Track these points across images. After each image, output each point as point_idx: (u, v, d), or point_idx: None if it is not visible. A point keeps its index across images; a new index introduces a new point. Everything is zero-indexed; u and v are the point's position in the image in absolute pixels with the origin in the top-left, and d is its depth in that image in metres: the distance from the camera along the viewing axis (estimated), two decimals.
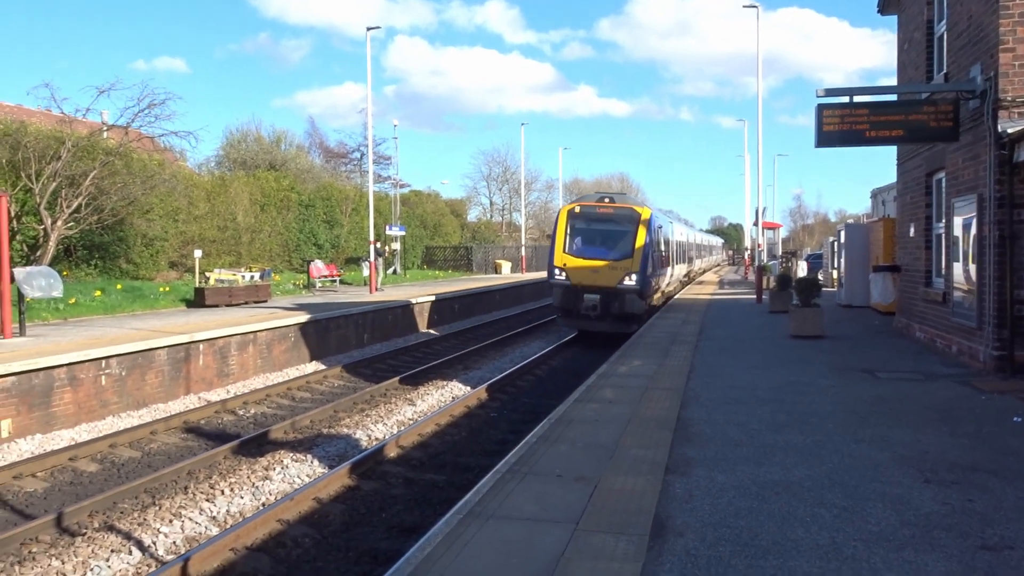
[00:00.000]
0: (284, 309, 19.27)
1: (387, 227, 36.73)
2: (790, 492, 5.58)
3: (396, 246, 37.93)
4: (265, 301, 21.88)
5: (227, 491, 8.51)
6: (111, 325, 15.43)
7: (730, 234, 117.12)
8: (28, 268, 14.08)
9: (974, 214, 10.71)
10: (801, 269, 31.12)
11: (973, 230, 10.75)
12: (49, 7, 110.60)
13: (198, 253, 22.79)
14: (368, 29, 27.84)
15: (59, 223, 19.14)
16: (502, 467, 6.33)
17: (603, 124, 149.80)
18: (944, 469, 6.11)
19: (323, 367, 16.72)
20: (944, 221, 12.62)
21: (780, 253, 41.59)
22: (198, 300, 20.38)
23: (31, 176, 18.84)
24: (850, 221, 44.38)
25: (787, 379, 10.16)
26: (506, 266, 47.71)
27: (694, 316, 19.02)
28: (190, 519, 7.71)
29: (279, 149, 47.53)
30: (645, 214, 19.52)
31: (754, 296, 24.54)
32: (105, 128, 22.83)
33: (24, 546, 7.02)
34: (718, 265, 67.75)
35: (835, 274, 26.56)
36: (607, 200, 19.96)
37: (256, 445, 10.32)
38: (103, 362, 12.03)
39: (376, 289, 26.55)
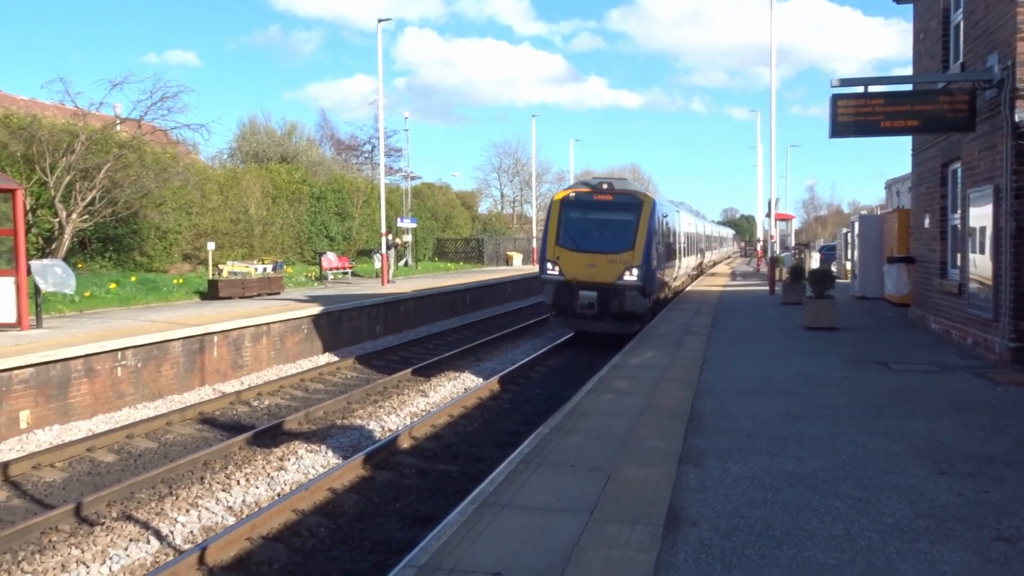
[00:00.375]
0: (297, 301, 19.36)
1: (398, 219, 36.81)
2: (804, 483, 5.58)
3: (408, 238, 38.01)
4: (278, 293, 21.98)
5: (243, 481, 8.59)
6: (126, 317, 15.55)
7: (742, 226, 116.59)
8: (44, 261, 14.19)
9: (990, 205, 10.63)
10: (814, 261, 30.96)
11: (989, 221, 10.67)
12: (62, 1, 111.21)
13: (211, 245, 22.91)
14: (379, 21, 27.92)
15: (74, 216, 19.29)
16: (516, 457, 6.36)
17: (614, 116, 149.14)
18: (959, 461, 6.09)
19: (336, 359, 16.80)
20: (960, 212, 12.53)
21: (793, 245, 41.38)
22: (211, 292, 20.49)
23: (46, 169, 18.99)
24: (864, 212, 44.09)
25: (800, 370, 10.14)
26: (517, 258, 47.73)
27: (706, 308, 18.97)
28: (207, 509, 7.78)
29: (290, 141, 47.69)
30: (647, 201, 17.61)
31: (767, 288, 24.44)
32: (118, 121, 22.97)
33: (44, 535, 7.11)
34: (729, 257, 67.50)
35: (848, 265, 26.41)
36: (605, 186, 18.01)
37: (271, 436, 10.40)
38: (119, 354, 12.13)
39: (388, 281, 26.61)
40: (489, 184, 76.55)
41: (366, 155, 56.66)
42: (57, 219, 19.31)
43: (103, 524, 7.36)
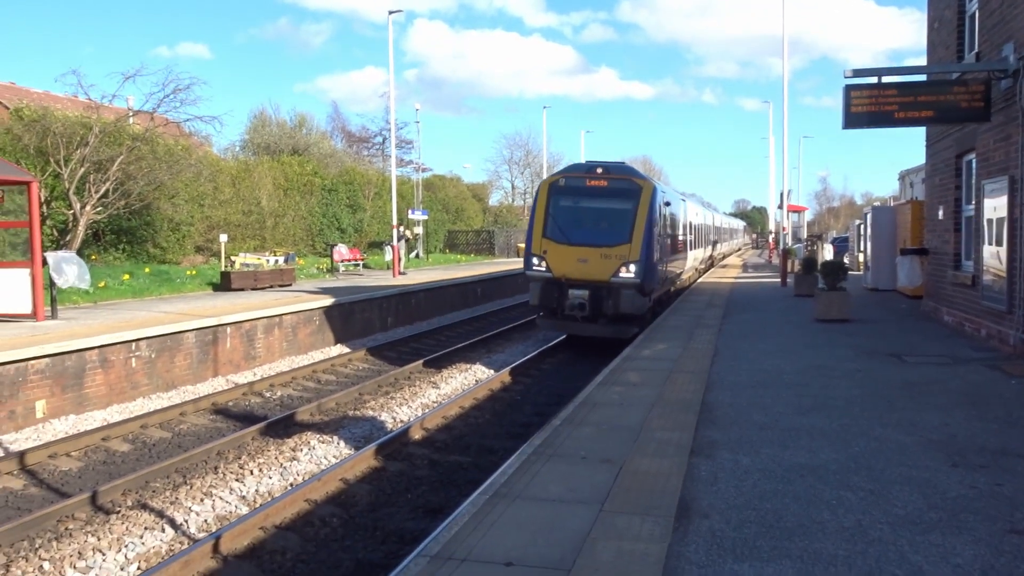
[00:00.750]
0: (308, 293, 19.44)
1: (409, 211, 36.84)
2: (815, 475, 5.57)
3: (419, 230, 38.05)
4: (289, 285, 22.07)
5: (256, 471, 8.66)
6: (140, 308, 15.66)
7: (754, 217, 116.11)
8: (59, 253, 14.29)
9: (1005, 196, 10.54)
10: (827, 252, 30.81)
11: (1004, 212, 10.58)
12: None
13: (224, 237, 23.02)
14: (390, 13, 27.91)
15: (88, 208, 19.42)
16: (527, 448, 6.38)
17: (625, 107, 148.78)
18: (972, 453, 6.07)
19: (348, 350, 16.87)
20: (974, 203, 12.44)
21: (805, 236, 41.19)
22: (224, 284, 20.60)
23: (60, 161, 19.12)
24: (877, 204, 43.80)
25: (812, 362, 10.11)
26: None
27: (717, 300, 18.93)
28: (220, 498, 7.85)
29: (301, 133, 47.79)
30: (647, 187, 15.75)
31: (778, 280, 24.36)
32: (131, 114, 23.07)
33: (61, 523, 7.19)
34: (741, 249, 67.22)
35: (861, 257, 26.27)
36: (599, 169, 16.07)
37: (283, 426, 10.46)
38: (133, 344, 12.24)
39: (399, 273, 26.67)
40: (500, 176, 76.59)
41: (377, 147, 56.71)
42: (71, 211, 19.44)
43: (119, 512, 7.44)
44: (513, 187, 76.49)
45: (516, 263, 37.67)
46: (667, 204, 17.49)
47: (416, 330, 19.96)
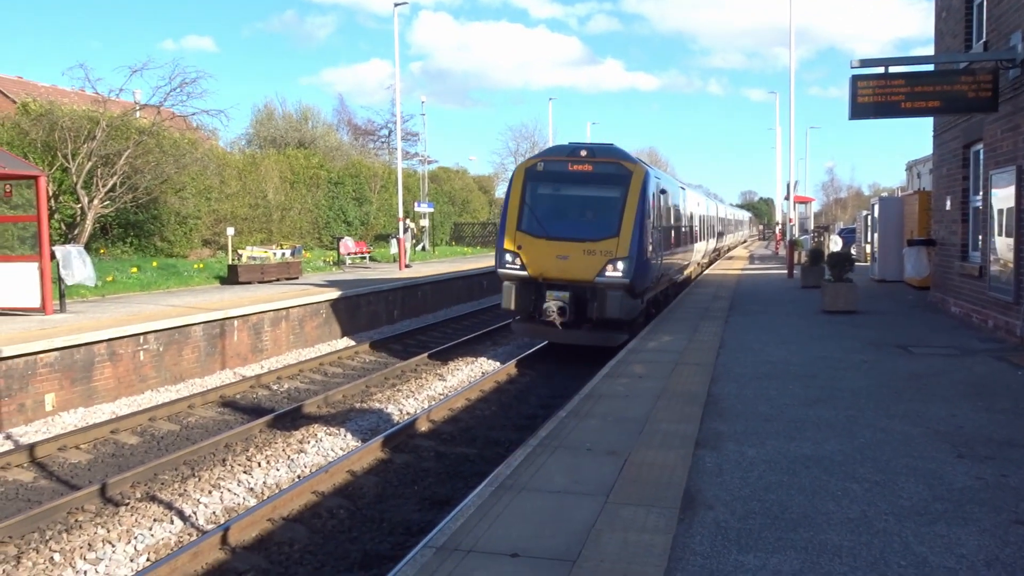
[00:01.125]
0: (315, 286, 19.48)
1: (415, 204, 36.86)
2: (821, 466, 5.58)
3: (425, 223, 38.04)
4: (296, 278, 22.13)
5: (263, 463, 8.71)
6: (147, 302, 15.74)
7: (761, 208, 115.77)
8: (67, 247, 14.36)
9: (1013, 186, 10.49)
10: (834, 243, 30.70)
11: (1012, 202, 10.53)
12: None
13: (231, 231, 23.08)
14: (395, 5, 27.77)
15: (95, 202, 19.49)
16: (533, 441, 6.40)
17: (631, 98, 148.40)
18: (978, 444, 6.07)
19: (354, 343, 16.92)
20: (982, 194, 12.38)
21: (812, 227, 41.05)
22: (231, 277, 20.66)
23: (67, 156, 19.17)
24: (884, 194, 43.60)
25: (819, 354, 10.10)
26: None
27: (723, 292, 18.90)
28: (228, 490, 7.91)
29: (307, 126, 47.79)
30: (638, 172, 13.57)
31: (785, 271, 24.30)
32: (138, 107, 23.12)
33: (71, 515, 7.26)
34: (747, 240, 67.04)
35: (868, 248, 26.18)
36: (584, 152, 13.88)
37: (290, 419, 10.52)
38: (141, 338, 12.29)
39: (405, 266, 26.70)
40: (506, 168, 76.16)
41: (383, 140, 56.67)
42: (79, 205, 19.51)
43: (128, 504, 7.49)
44: None
45: None
46: (663, 192, 15.57)
47: (422, 323, 20.00)
